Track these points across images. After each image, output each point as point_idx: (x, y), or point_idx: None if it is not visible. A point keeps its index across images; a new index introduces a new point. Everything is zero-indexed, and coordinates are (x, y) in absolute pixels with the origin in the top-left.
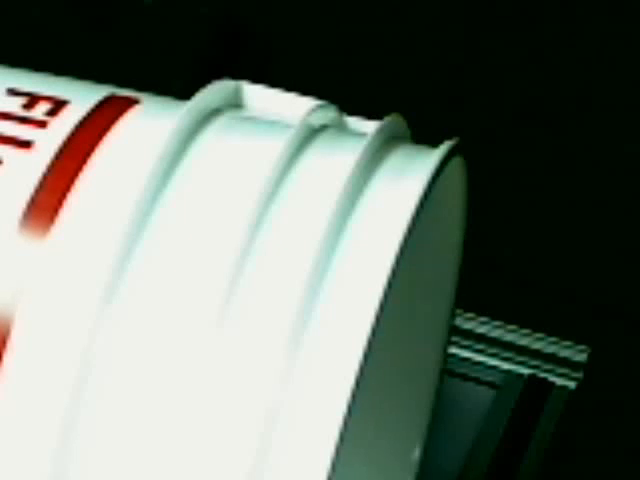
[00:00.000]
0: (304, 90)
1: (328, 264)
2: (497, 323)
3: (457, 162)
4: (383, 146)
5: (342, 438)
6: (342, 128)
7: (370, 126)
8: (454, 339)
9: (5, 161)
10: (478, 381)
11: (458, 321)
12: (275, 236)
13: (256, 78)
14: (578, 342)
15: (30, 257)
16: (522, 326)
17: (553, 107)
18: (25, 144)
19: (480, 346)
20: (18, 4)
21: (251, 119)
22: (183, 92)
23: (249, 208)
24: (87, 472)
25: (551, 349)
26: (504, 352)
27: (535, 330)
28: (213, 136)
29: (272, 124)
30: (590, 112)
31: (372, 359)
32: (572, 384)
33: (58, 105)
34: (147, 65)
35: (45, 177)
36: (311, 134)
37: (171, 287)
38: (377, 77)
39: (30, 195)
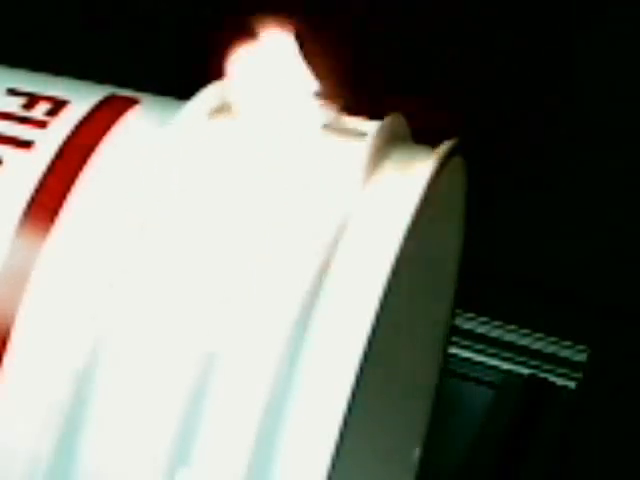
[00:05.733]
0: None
1: (328, 264)
2: (497, 323)
3: (457, 162)
4: (383, 146)
5: (342, 438)
6: (342, 128)
7: (370, 126)
8: (454, 339)
9: (5, 161)
10: (478, 381)
11: (458, 321)
12: (275, 236)
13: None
14: (578, 342)
15: (30, 257)
16: (522, 326)
17: (553, 108)
18: (25, 144)
19: (480, 346)
20: (18, 4)
21: (250, 119)
22: (183, 92)
23: (249, 208)
24: (87, 472)
25: (551, 349)
26: (504, 352)
27: (535, 330)
28: (213, 136)
29: (271, 124)
30: (590, 112)
31: (372, 359)
32: (572, 384)
33: (58, 105)
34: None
35: (45, 177)
36: (311, 134)
37: (170, 285)
38: (378, 77)
39: (30, 195)
